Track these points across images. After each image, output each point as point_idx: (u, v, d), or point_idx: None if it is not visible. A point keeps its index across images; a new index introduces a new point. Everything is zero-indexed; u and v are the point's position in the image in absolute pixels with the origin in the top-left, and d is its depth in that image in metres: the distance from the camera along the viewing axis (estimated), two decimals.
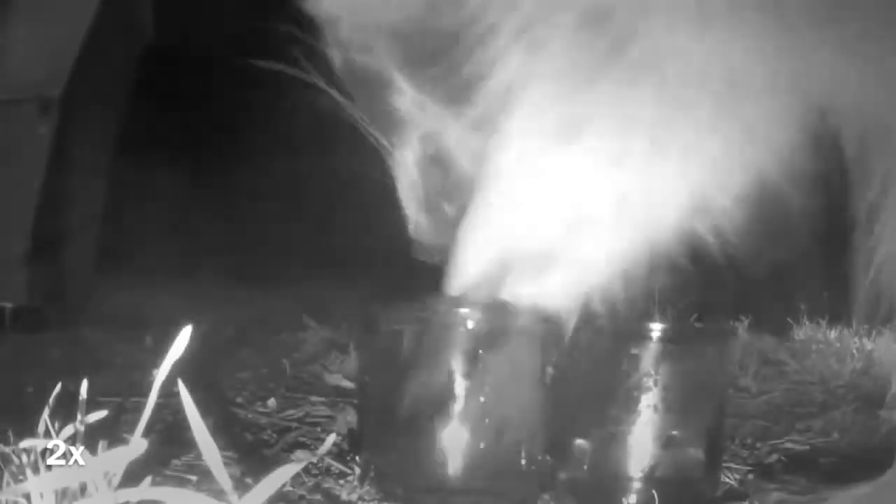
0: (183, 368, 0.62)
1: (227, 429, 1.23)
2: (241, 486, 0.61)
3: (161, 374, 0.62)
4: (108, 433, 0.64)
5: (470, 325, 0.94)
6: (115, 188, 2.43)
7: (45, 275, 2.17)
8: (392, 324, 0.97)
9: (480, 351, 0.93)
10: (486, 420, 0.93)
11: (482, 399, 0.93)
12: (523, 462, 0.95)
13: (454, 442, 0.93)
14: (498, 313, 0.96)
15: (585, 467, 0.95)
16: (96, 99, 2.24)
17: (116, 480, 0.60)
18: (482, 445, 0.93)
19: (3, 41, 2.10)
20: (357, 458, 1.06)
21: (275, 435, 1.26)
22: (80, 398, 0.69)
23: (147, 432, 0.61)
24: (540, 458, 0.96)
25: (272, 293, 2.83)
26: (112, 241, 2.50)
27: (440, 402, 0.93)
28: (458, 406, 0.93)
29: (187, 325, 0.63)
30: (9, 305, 2.11)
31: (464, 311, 0.95)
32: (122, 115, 2.37)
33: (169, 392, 0.63)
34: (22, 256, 2.13)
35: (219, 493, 0.60)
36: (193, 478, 0.97)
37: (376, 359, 1.05)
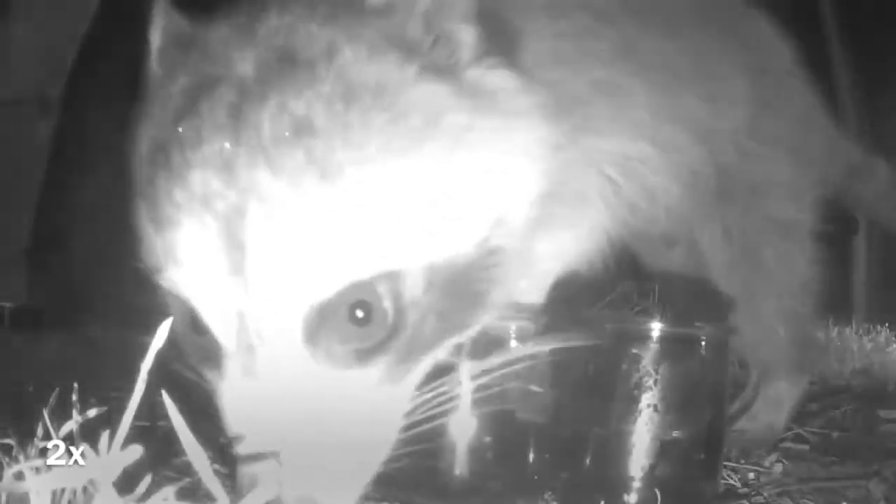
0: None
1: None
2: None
3: (146, 364, 0.63)
4: (111, 426, 0.64)
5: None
6: (114, 187, 2.42)
7: (45, 275, 2.17)
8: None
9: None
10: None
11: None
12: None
13: None
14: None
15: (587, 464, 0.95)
16: (96, 99, 2.24)
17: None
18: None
19: (4, 41, 2.10)
20: None
21: None
22: (73, 399, 0.70)
23: (135, 422, 0.62)
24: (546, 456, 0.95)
25: None
26: (112, 241, 2.49)
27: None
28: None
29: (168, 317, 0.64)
30: (9, 305, 2.11)
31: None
32: (122, 115, 2.37)
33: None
34: (22, 256, 2.13)
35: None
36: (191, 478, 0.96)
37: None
